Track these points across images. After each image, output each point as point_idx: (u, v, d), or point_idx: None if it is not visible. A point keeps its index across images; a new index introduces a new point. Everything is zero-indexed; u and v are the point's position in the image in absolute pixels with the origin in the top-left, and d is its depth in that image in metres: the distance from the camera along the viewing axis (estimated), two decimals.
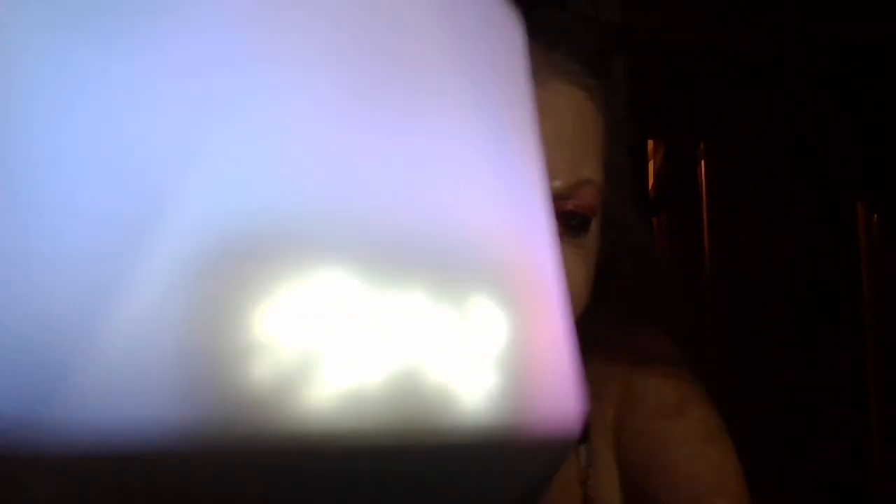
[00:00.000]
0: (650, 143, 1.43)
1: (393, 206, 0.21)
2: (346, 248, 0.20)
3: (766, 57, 1.28)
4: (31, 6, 0.21)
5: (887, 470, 1.24)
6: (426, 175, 0.22)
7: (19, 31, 0.21)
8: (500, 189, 0.24)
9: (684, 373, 0.55)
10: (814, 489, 1.22)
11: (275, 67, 0.20)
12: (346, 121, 0.21)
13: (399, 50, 0.23)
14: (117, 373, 0.17)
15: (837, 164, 1.32)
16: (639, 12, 1.12)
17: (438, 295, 0.21)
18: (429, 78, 0.23)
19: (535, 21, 0.47)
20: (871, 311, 1.31)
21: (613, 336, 0.54)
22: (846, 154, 1.31)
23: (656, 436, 0.53)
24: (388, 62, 0.22)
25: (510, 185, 0.25)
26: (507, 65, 0.28)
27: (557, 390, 0.24)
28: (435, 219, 0.21)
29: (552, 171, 0.45)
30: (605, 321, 0.51)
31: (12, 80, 0.20)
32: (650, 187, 1.41)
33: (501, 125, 0.26)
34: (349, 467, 0.19)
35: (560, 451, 0.25)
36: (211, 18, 0.20)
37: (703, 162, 1.37)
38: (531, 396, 0.22)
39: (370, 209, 0.20)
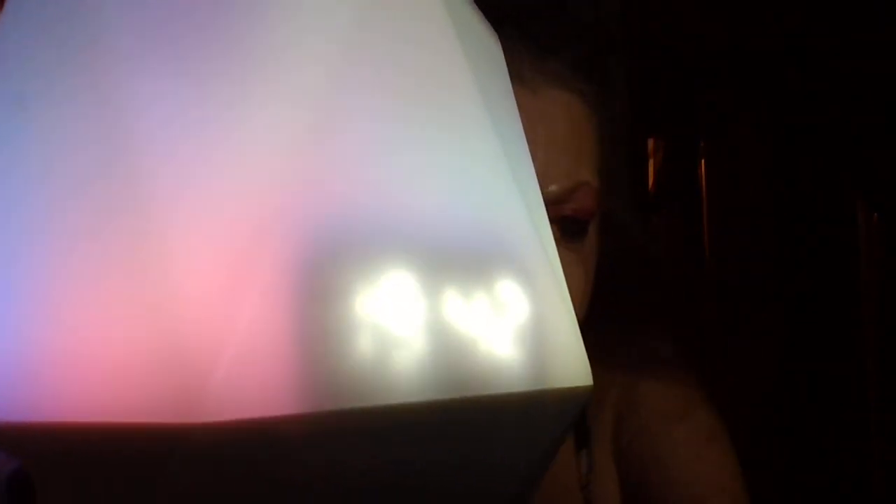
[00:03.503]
0: (650, 141, 1.43)
1: (436, 214, 0.26)
2: (406, 249, 0.24)
3: (766, 56, 1.28)
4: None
5: (887, 470, 1.24)
6: (460, 186, 0.27)
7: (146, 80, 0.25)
8: (513, 192, 0.29)
9: (689, 376, 0.55)
10: (814, 489, 1.22)
11: (352, 106, 0.25)
12: (400, 144, 0.26)
13: (431, 80, 0.28)
14: (246, 358, 0.21)
15: (837, 164, 1.31)
16: (639, 12, 1.12)
17: (475, 282, 0.26)
18: (455, 101, 0.28)
19: (528, 28, 0.47)
20: (870, 310, 1.31)
21: (615, 342, 0.54)
22: (846, 154, 1.31)
23: (659, 436, 0.53)
24: (426, 94, 0.27)
25: (521, 188, 0.30)
26: (502, 81, 0.33)
27: (571, 355, 0.29)
28: (467, 220, 0.27)
29: (548, 176, 0.44)
30: (606, 327, 0.50)
31: (130, 120, 0.24)
32: (650, 186, 1.41)
33: (510, 136, 0.30)
34: (424, 422, 0.24)
35: (575, 406, 0.30)
36: (300, 67, 0.25)
37: (703, 161, 1.37)
38: (551, 359, 0.28)
39: (421, 218, 0.25)
